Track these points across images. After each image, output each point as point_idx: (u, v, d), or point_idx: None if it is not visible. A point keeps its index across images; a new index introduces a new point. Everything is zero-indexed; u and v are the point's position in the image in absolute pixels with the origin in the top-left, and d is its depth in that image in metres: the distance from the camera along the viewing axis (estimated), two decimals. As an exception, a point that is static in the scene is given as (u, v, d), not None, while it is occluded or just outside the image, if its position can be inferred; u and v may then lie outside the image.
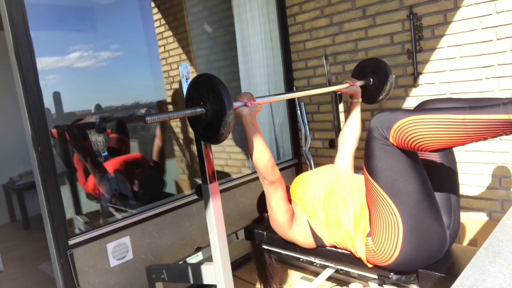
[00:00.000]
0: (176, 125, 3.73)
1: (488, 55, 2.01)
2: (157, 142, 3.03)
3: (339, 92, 2.11)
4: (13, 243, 3.70)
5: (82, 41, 2.90)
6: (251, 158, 1.46)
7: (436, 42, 2.17)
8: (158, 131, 3.04)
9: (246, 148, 1.50)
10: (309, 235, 1.55)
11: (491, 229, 0.94)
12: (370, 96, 2.10)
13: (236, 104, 1.40)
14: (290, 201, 1.63)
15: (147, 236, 2.11)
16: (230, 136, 3.66)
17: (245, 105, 1.42)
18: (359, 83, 2.01)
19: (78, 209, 2.56)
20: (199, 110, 1.29)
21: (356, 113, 1.93)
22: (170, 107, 3.70)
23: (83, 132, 2.86)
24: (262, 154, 1.43)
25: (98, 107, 2.93)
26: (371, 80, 2.07)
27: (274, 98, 1.60)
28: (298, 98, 2.62)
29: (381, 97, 2.07)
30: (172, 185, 3.21)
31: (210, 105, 1.27)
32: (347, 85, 1.93)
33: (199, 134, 1.37)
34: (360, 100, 1.98)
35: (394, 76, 2.06)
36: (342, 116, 2.21)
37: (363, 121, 2.57)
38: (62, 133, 2.61)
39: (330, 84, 2.28)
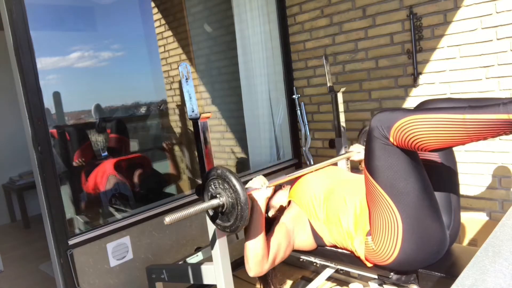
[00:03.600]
0: (176, 125, 3.73)
1: (488, 55, 2.01)
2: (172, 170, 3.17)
3: (349, 161, 2.05)
4: (13, 243, 3.70)
5: (82, 41, 2.90)
6: (246, 240, 1.43)
7: (436, 42, 2.17)
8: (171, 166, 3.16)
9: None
10: (310, 235, 1.55)
11: (491, 229, 0.94)
12: None
13: (249, 191, 1.41)
14: (289, 202, 1.63)
15: (147, 236, 2.11)
16: (230, 136, 3.67)
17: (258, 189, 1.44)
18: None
19: (78, 209, 2.56)
20: (216, 202, 1.32)
21: None
22: (170, 106, 3.70)
23: (83, 132, 2.86)
24: (257, 243, 1.40)
25: (98, 107, 2.93)
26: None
27: (287, 178, 1.61)
28: (298, 98, 2.62)
29: None
30: (173, 185, 3.21)
31: (226, 197, 1.31)
32: (353, 153, 1.89)
33: (216, 225, 1.40)
34: None
35: None
36: (342, 116, 2.21)
37: (363, 121, 2.57)
38: (62, 133, 2.61)
39: (329, 83, 2.27)
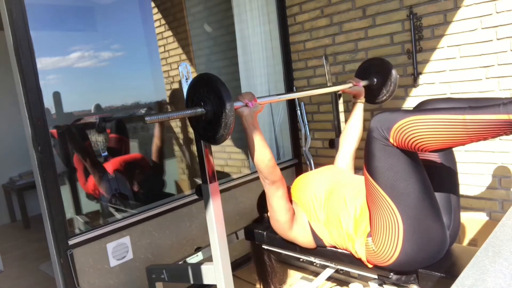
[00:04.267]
0: (176, 125, 3.73)
1: (488, 55, 2.01)
2: (156, 142, 3.03)
3: (342, 92, 2.09)
4: (13, 243, 3.70)
5: (82, 41, 2.90)
6: (252, 159, 1.45)
7: (436, 42, 2.17)
8: (156, 131, 3.02)
9: (247, 148, 1.49)
10: (310, 235, 1.55)
11: (491, 229, 0.94)
12: (373, 96, 2.08)
13: (236, 105, 1.39)
14: (290, 201, 1.63)
15: (147, 236, 2.11)
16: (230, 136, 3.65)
17: (246, 105, 1.42)
18: (363, 83, 1.98)
19: (78, 209, 2.56)
20: (200, 110, 1.28)
21: (359, 114, 1.92)
22: (170, 107, 3.70)
23: (83, 132, 2.86)
24: (263, 154, 1.43)
25: (97, 107, 2.93)
26: (375, 80, 2.05)
27: (275, 98, 1.59)
28: (298, 98, 2.62)
29: (384, 97, 2.06)
30: (172, 185, 3.21)
31: (211, 105, 1.26)
32: (350, 85, 1.91)
33: (199, 134, 1.37)
34: (364, 100, 1.97)
35: (398, 76, 2.04)
36: (342, 116, 2.21)
37: (364, 121, 2.57)
38: (62, 133, 2.61)
39: (329, 83, 2.28)
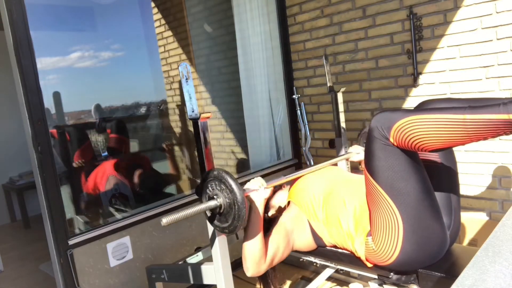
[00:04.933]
0: (176, 125, 3.73)
1: (488, 55, 2.01)
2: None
3: (349, 160, 2.05)
4: (13, 243, 3.70)
5: (82, 41, 2.90)
6: (243, 241, 1.44)
7: (436, 42, 2.17)
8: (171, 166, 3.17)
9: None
10: (310, 236, 1.54)
11: (491, 229, 0.94)
12: None
13: (246, 192, 1.42)
14: (288, 202, 1.63)
15: (147, 236, 2.11)
16: (230, 136, 3.67)
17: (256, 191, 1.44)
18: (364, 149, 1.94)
19: (78, 209, 2.56)
20: (213, 204, 1.32)
21: None
22: (170, 106, 3.70)
23: (83, 132, 2.86)
24: (255, 243, 1.40)
25: (97, 107, 2.93)
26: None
27: (284, 179, 1.61)
28: (298, 98, 2.62)
29: None
30: (172, 185, 3.21)
31: (223, 198, 1.31)
32: (352, 154, 1.88)
33: (214, 226, 1.41)
34: None
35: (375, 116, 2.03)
36: (342, 116, 2.21)
37: (363, 121, 2.57)
38: (62, 133, 2.61)
39: (329, 83, 2.27)
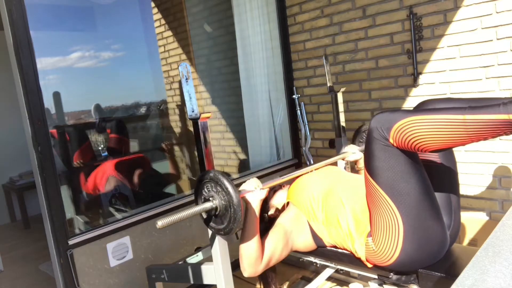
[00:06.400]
0: (176, 125, 3.73)
1: (488, 55, 2.01)
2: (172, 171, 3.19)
3: (345, 160, 2.05)
4: (13, 243, 3.70)
5: (82, 41, 2.90)
6: (240, 242, 1.43)
7: (436, 42, 2.17)
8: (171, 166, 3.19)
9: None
10: (309, 236, 1.54)
11: (491, 229, 0.94)
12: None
13: (242, 193, 1.41)
14: (287, 203, 1.63)
15: (147, 236, 2.11)
16: (230, 136, 3.67)
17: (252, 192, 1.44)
18: (360, 149, 1.93)
19: (78, 209, 2.56)
20: (208, 205, 1.32)
21: None
22: (170, 106, 3.70)
23: (83, 132, 2.86)
24: (251, 244, 1.40)
25: (97, 107, 2.93)
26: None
27: (281, 180, 1.61)
28: (298, 98, 2.63)
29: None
30: (172, 186, 3.21)
31: (219, 200, 1.31)
32: (348, 154, 1.89)
33: (210, 227, 1.41)
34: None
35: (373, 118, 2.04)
36: (342, 116, 2.21)
37: (363, 121, 2.57)
38: (62, 133, 2.61)
39: (329, 83, 2.27)
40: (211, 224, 1.38)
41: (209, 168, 1.46)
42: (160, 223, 1.21)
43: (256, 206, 1.44)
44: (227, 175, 1.33)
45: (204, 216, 1.39)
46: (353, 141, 2.10)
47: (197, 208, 1.31)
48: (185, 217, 1.26)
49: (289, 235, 1.51)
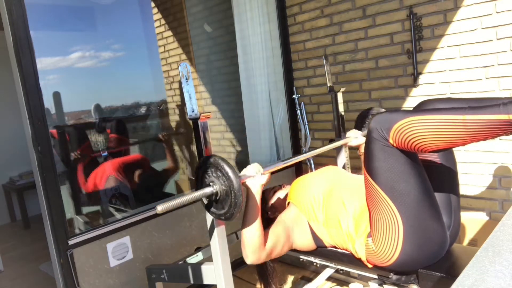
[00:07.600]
0: (176, 125, 3.73)
1: (488, 55, 2.01)
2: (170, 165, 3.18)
3: (347, 146, 2.06)
4: (13, 243, 3.70)
5: (82, 41, 2.90)
6: (241, 228, 1.43)
7: (436, 42, 2.17)
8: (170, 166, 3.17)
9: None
10: (309, 236, 1.54)
11: (491, 229, 0.94)
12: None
13: (243, 178, 1.40)
14: (288, 203, 1.63)
15: (147, 236, 2.11)
16: (230, 136, 3.66)
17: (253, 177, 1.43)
18: (362, 133, 1.95)
19: (78, 209, 2.56)
20: (209, 191, 1.31)
21: None
22: (170, 106, 3.70)
23: (83, 132, 2.86)
24: (253, 229, 1.39)
25: (97, 107, 2.93)
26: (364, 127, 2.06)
27: (282, 165, 1.60)
28: (298, 98, 2.63)
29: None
30: (172, 185, 3.21)
31: (219, 185, 1.30)
32: (350, 139, 1.90)
33: (211, 213, 1.39)
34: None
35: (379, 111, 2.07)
36: (342, 116, 2.20)
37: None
38: (62, 133, 2.61)
39: (329, 83, 2.27)
40: (212, 209, 1.37)
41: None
42: (160, 208, 1.20)
43: (257, 191, 1.43)
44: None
45: (205, 201, 1.38)
46: (355, 126, 2.11)
47: (197, 193, 1.30)
48: (185, 202, 1.25)
49: (290, 232, 1.51)
